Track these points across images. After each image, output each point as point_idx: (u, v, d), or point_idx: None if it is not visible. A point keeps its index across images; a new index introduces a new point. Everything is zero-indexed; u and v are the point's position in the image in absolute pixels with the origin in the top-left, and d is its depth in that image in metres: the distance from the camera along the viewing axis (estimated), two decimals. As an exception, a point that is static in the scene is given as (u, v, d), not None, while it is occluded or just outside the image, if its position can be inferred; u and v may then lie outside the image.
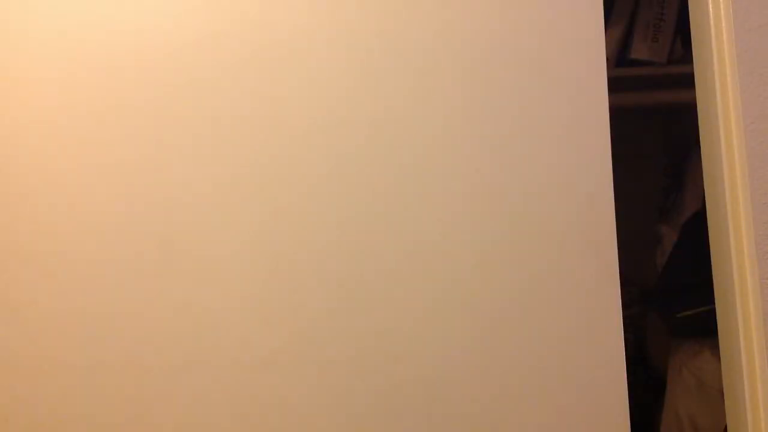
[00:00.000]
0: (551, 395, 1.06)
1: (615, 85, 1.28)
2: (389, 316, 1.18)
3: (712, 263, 1.23)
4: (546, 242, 1.18)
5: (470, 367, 1.17)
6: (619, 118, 1.24)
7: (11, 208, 1.25)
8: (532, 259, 1.17)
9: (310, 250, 1.17)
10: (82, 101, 1.26)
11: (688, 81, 1.31)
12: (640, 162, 2.11)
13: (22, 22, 1.29)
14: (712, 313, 1.24)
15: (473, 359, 1.17)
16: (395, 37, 1.24)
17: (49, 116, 1.26)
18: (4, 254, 1.24)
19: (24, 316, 1.22)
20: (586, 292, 1.16)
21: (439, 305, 1.18)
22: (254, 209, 1.22)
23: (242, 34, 1.26)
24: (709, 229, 1.25)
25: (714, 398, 1.66)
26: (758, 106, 1.15)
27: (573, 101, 1.21)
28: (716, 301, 1.23)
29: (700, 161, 1.26)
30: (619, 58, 2.05)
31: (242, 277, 1.20)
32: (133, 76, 1.26)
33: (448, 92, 1.20)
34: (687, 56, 1.72)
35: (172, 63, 1.26)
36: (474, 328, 1.17)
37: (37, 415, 1.19)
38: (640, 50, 2.01)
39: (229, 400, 1.11)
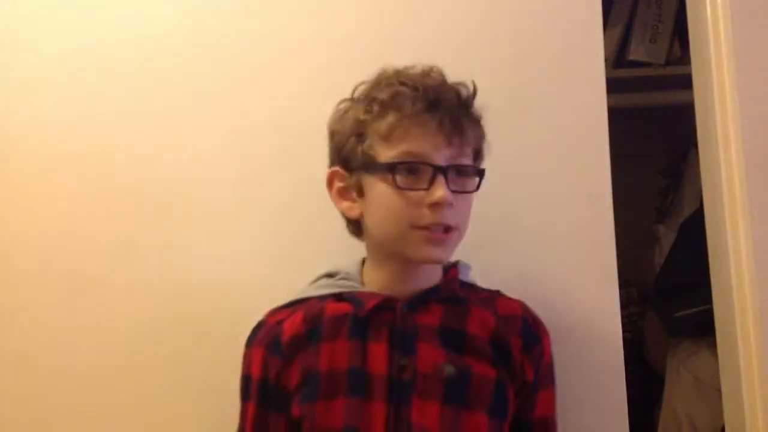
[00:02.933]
0: (551, 394, 1.06)
1: (613, 85, 1.29)
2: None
3: (710, 263, 1.24)
4: (545, 242, 1.18)
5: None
6: (617, 118, 1.25)
7: (10, 209, 1.25)
8: (531, 259, 1.18)
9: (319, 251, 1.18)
10: (81, 105, 1.27)
11: (686, 82, 1.32)
12: (638, 162, 2.11)
13: (22, 22, 1.29)
14: (709, 313, 1.25)
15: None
16: (393, 36, 1.25)
17: (49, 120, 1.27)
18: (5, 257, 1.24)
19: (24, 317, 1.23)
20: (584, 292, 1.17)
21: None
22: (257, 210, 1.22)
23: (238, 42, 1.27)
24: (707, 229, 1.25)
25: (712, 396, 1.66)
26: (756, 107, 1.15)
27: (572, 102, 1.22)
28: (714, 301, 1.23)
29: (698, 162, 1.27)
30: (617, 59, 2.06)
31: (242, 280, 1.21)
32: (133, 79, 1.26)
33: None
34: (685, 57, 1.72)
35: (171, 67, 1.26)
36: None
37: (38, 415, 1.20)
38: (638, 51, 2.02)
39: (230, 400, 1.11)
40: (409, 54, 1.24)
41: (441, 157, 0.91)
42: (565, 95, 1.22)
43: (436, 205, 0.90)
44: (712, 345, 1.27)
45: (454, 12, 1.25)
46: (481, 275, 1.12)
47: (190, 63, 1.26)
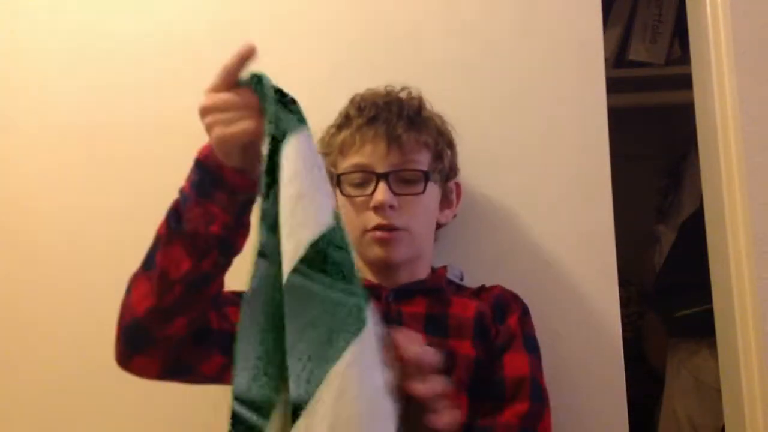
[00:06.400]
0: (551, 393, 1.06)
1: (613, 85, 1.29)
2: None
3: (710, 263, 1.24)
4: (545, 242, 1.19)
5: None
6: (617, 118, 1.25)
7: (11, 210, 1.25)
8: (531, 259, 1.18)
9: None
10: (81, 107, 1.27)
11: (686, 82, 1.32)
12: (638, 162, 2.11)
13: (22, 27, 1.29)
14: (709, 313, 1.25)
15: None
16: (393, 37, 1.25)
17: (49, 122, 1.27)
18: (5, 259, 1.25)
19: (24, 319, 1.23)
20: (584, 292, 1.17)
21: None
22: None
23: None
24: (706, 229, 1.26)
25: (712, 396, 1.66)
26: (756, 107, 1.15)
27: (572, 102, 1.22)
28: (714, 301, 1.24)
29: (698, 162, 1.27)
30: (617, 59, 2.06)
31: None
32: (132, 83, 1.27)
33: (447, 92, 1.21)
34: (685, 57, 1.72)
35: (171, 71, 1.27)
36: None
37: (38, 415, 1.20)
38: (638, 51, 2.02)
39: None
40: (409, 55, 1.25)
41: (384, 165, 1.00)
42: (565, 95, 1.22)
43: (377, 209, 0.99)
44: (712, 345, 1.27)
45: (454, 12, 1.25)
46: (480, 275, 1.12)
47: (192, 67, 1.26)
